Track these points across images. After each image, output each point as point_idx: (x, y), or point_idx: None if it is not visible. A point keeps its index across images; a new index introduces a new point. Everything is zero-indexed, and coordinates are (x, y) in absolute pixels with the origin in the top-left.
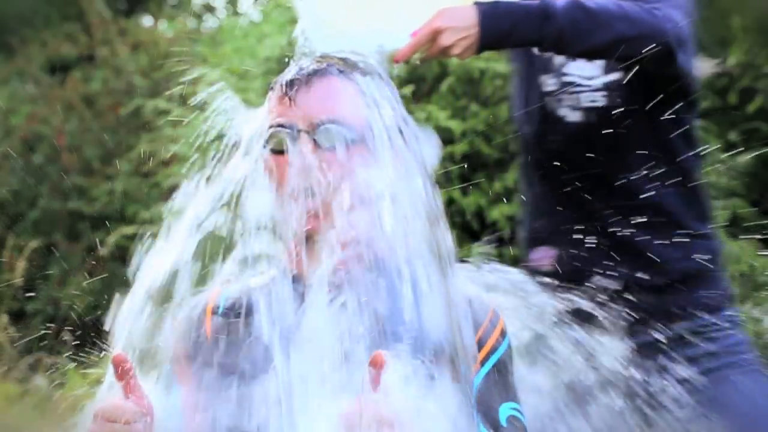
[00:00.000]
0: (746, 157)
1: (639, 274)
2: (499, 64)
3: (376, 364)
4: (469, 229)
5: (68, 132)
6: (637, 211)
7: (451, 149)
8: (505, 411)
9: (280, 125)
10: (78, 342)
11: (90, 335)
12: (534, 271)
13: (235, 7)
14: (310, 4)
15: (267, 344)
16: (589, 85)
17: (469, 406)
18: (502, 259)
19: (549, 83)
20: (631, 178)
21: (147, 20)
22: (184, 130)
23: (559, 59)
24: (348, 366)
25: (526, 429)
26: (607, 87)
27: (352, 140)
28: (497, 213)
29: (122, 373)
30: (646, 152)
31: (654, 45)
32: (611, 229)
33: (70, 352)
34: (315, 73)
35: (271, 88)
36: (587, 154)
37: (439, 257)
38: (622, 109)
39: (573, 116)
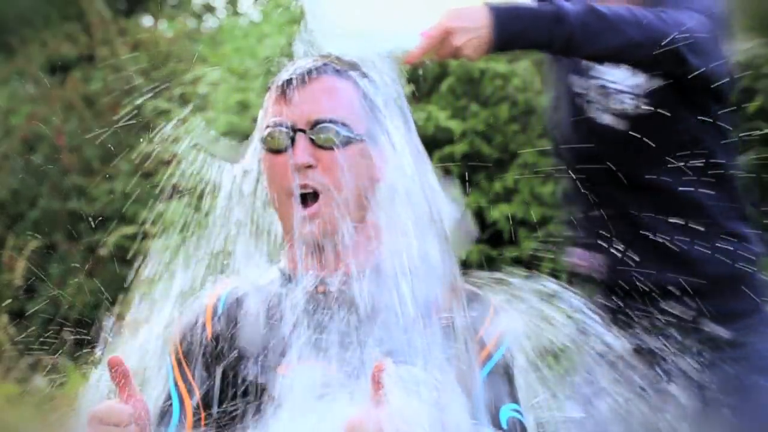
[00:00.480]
0: (746, 158)
1: (676, 277)
2: (499, 64)
3: (376, 373)
4: None
5: (68, 132)
6: (672, 212)
7: (451, 149)
8: (505, 412)
9: (277, 124)
10: (78, 342)
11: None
12: (572, 274)
13: (235, 7)
14: (317, 3)
15: (267, 344)
16: (616, 87)
17: (471, 412)
18: (502, 259)
19: (579, 84)
20: (664, 178)
21: (147, 20)
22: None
23: (587, 63)
24: (351, 372)
25: (527, 430)
26: (634, 89)
27: (350, 139)
28: (497, 213)
29: (118, 375)
30: (678, 152)
31: (662, 50)
32: (645, 231)
33: (70, 352)
34: (313, 72)
35: (269, 88)
36: (620, 156)
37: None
38: (650, 110)
39: (604, 118)
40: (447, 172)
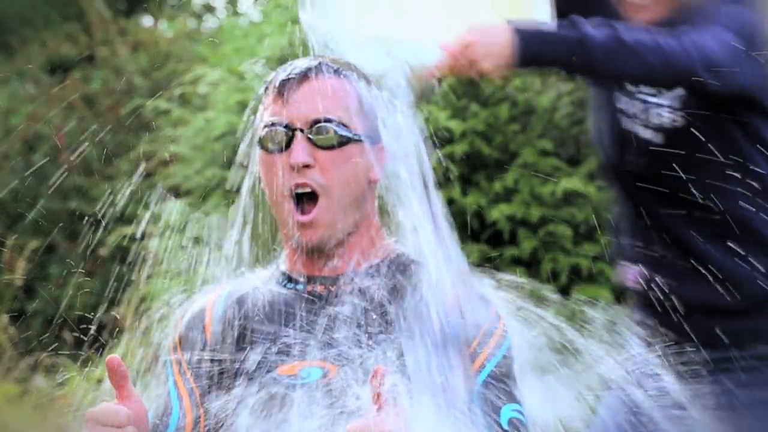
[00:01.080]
0: None
1: (718, 295)
2: None
3: (375, 378)
4: (469, 229)
5: (68, 132)
6: (715, 228)
7: (451, 149)
8: (506, 413)
9: (275, 123)
10: (78, 342)
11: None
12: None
13: (235, 7)
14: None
15: (266, 345)
16: (654, 101)
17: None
18: (502, 259)
19: (620, 99)
20: (706, 193)
21: (147, 20)
22: (184, 130)
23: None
24: (351, 373)
25: (528, 430)
26: (672, 102)
27: (349, 139)
28: (497, 213)
29: (116, 376)
30: (720, 167)
31: (681, 77)
32: (687, 247)
33: (70, 352)
34: (310, 72)
35: (266, 88)
36: (660, 171)
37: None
38: (688, 125)
39: (645, 134)
40: (447, 171)
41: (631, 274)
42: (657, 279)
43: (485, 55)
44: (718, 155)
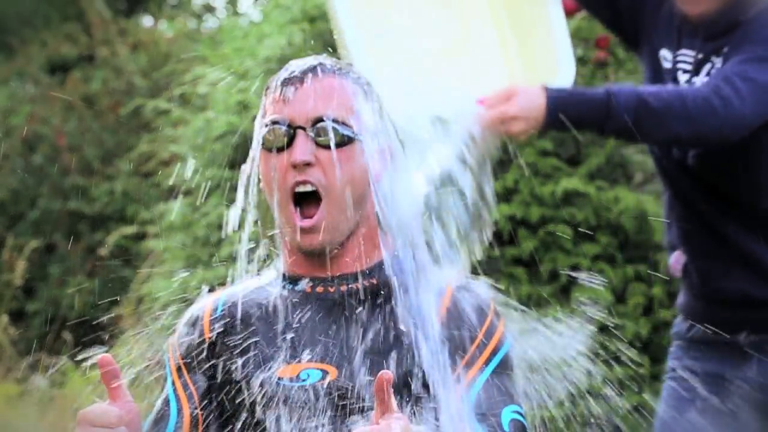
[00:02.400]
0: None
1: (756, 286)
2: None
3: (381, 385)
4: None
5: (68, 132)
6: (755, 222)
7: None
8: (507, 415)
9: (276, 122)
10: (78, 342)
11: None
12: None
13: (235, 7)
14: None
15: (265, 347)
16: None
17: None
18: (502, 259)
19: None
20: (748, 190)
21: (147, 20)
22: (184, 130)
23: (683, 75)
24: (351, 375)
25: None
26: None
27: (351, 138)
28: (497, 213)
29: (108, 375)
30: (761, 165)
31: (708, 141)
32: (728, 240)
33: (70, 352)
34: (311, 71)
35: (267, 87)
36: (705, 167)
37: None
38: None
39: None
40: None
41: (675, 260)
42: (698, 268)
43: (518, 117)
44: (761, 157)
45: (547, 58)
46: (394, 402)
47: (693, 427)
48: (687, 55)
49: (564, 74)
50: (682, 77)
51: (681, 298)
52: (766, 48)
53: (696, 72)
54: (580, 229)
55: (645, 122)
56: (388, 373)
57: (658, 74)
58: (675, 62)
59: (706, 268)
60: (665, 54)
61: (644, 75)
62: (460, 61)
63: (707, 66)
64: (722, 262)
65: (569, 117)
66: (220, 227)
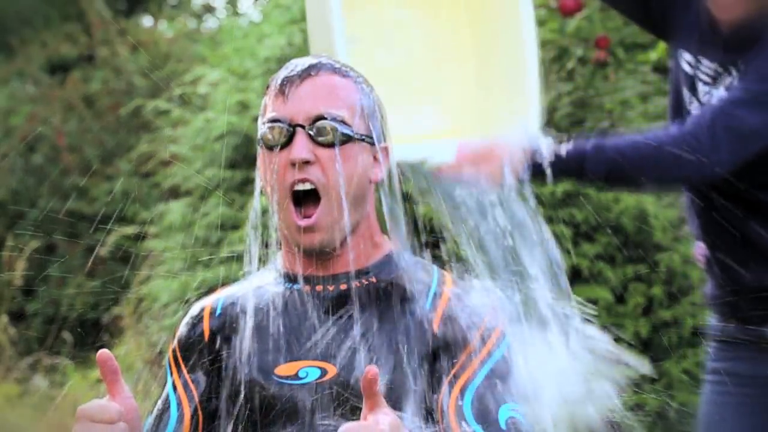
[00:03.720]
0: None
1: None
2: None
3: (369, 380)
4: None
5: (68, 132)
6: None
7: None
8: (504, 412)
9: (276, 120)
10: (78, 342)
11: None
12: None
13: (235, 7)
14: None
15: (264, 345)
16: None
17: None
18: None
19: (692, 106)
20: (763, 189)
21: (147, 20)
22: (184, 130)
23: (702, 87)
24: (350, 373)
25: (527, 430)
26: None
27: (350, 137)
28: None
29: (107, 371)
30: None
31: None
32: (746, 234)
33: (70, 352)
34: (312, 69)
35: (268, 86)
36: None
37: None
38: None
39: None
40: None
41: (699, 250)
42: (718, 260)
43: (494, 173)
44: None
45: (516, 98)
46: (382, 397)
47: (731, 429)
48: (707, 66)
49: (532, 115)
50: (702, 88)
51: (708, 288)
52: (764, 85)
53: (714, 83)
54: (580, 229)
55: (617, 178)
56: (375, 368)
57: (679, 76)
58: (695, 69)
59: (726, 260)
60: (687, 57)
61: (670, 72)
62: (426, 81)
63: (727, 79)
64: (741, 255)
65: (540, 170)
66: (220, 227)
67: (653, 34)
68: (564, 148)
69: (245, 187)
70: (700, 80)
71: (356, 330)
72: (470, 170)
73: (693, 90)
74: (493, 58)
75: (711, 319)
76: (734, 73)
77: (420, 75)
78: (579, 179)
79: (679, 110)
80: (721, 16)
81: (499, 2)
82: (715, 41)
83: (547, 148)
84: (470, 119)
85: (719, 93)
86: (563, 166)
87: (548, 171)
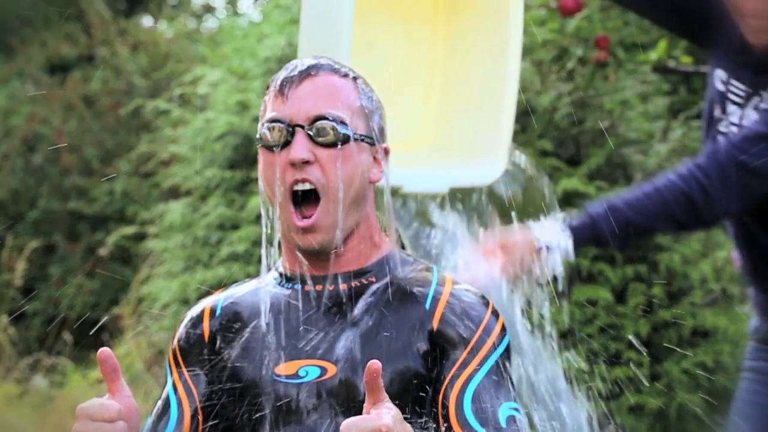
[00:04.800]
0: None
1: None
2: None
3: (371, 374)
4: None
5: (68, 132)
6: None
7: None
8: (504, 411)
9: (275, 120)
10: (78, 342)
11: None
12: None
13: (235, 7)
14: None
15: (264, 345)
16: (742, 125)
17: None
18: None
19: (721, 124)
20: None
21: (147, 20)
22: (184, 130)
23: (731, 107)
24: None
25: (526, 429)
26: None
27: (349, 137)
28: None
29: (107, 369)
30: None
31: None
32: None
33: (70, 352)
34: (311, 70)
35: (268, 87)
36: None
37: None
38: None
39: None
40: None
41: (736, 256)
42: (754, 267)
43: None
44: None
45: (488, 119)
46: (384, 392)
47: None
48: (737, 86)
49: (500, 161)
50: (731, 108)
51: (750, 291)
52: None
53: (744, 104)
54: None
55: (638, 237)
56: (377, 363)
57: (712, 92)
58: (727, 88)
59: (758, 271)
60: (720, 74)
61: (708, 81)
62: (391, 91)
63: (755, 99)
64: (760, 265)
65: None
66: (220, 227)
67: (695, 45)
68: (576, 222)
69: (245, 187)
70: (730, 100)
71: (356, 329)
72: (491, 263)
73: (723, 108)
74: (467, 77)
75: (752, 320)
76: (764, 94)
77: (386, 85)
78: (600, 246)
79: (710, 127)
80: (752, 41)
81: (485, 25)
82: (746, 64)
83: (560, 233)
84: (430, 133)
85: (749, 113)
86: (582, 239)
87: (567, 252)
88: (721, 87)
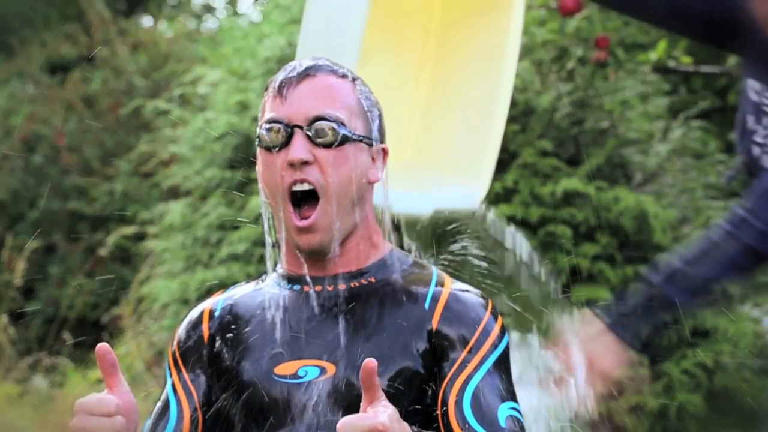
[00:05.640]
0: None
1: None
2: None
3: (367, 372)
4: None
5: (68, 132)
6: None
7: None
8: (503, 411)
9: (274, 120)
10: (78, 342)
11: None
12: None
13: (235, 7)
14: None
15: (263, 345)
16: None
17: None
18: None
19: (756, 135)
20: None
21: (147, 20)
22: (184, 130)
23: (766, 119)
24: (351, 375)
25: (525, 429)
26: None
27: (348, 138)
28: (497, 213)
29: (105, 364)
30: None
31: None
32: None
33: (70, 352)
34: (310, 70)
35: (267, 87)
36: None
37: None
38: None
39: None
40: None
41: None
42: None
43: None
44: None
45: (473, 162)
46: (381, 390)
47: None
48: None
49: (483, 184)
50: (766, 120)
51: None
52: None
53: None
54: (580, 229)
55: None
56: (373, 361)
57: (746, 102)
58: (762, 97)
59: None
60: (754, 85)
61: (740, 95)
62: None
63: None
64: None
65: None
66: (220, 227)
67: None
68: (637, 301)
69: (245, 187)
70: (764, 112)
71: (355, 330)
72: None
73: (758, 119)
74: (457, 94)
75: None
76: None
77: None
78: (667, 311)
79: (744, 138)
80: None
81: (478, 46)
82: None
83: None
84: (414, 146)
85: None
86: (647, 322)
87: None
88: (755, 97)
